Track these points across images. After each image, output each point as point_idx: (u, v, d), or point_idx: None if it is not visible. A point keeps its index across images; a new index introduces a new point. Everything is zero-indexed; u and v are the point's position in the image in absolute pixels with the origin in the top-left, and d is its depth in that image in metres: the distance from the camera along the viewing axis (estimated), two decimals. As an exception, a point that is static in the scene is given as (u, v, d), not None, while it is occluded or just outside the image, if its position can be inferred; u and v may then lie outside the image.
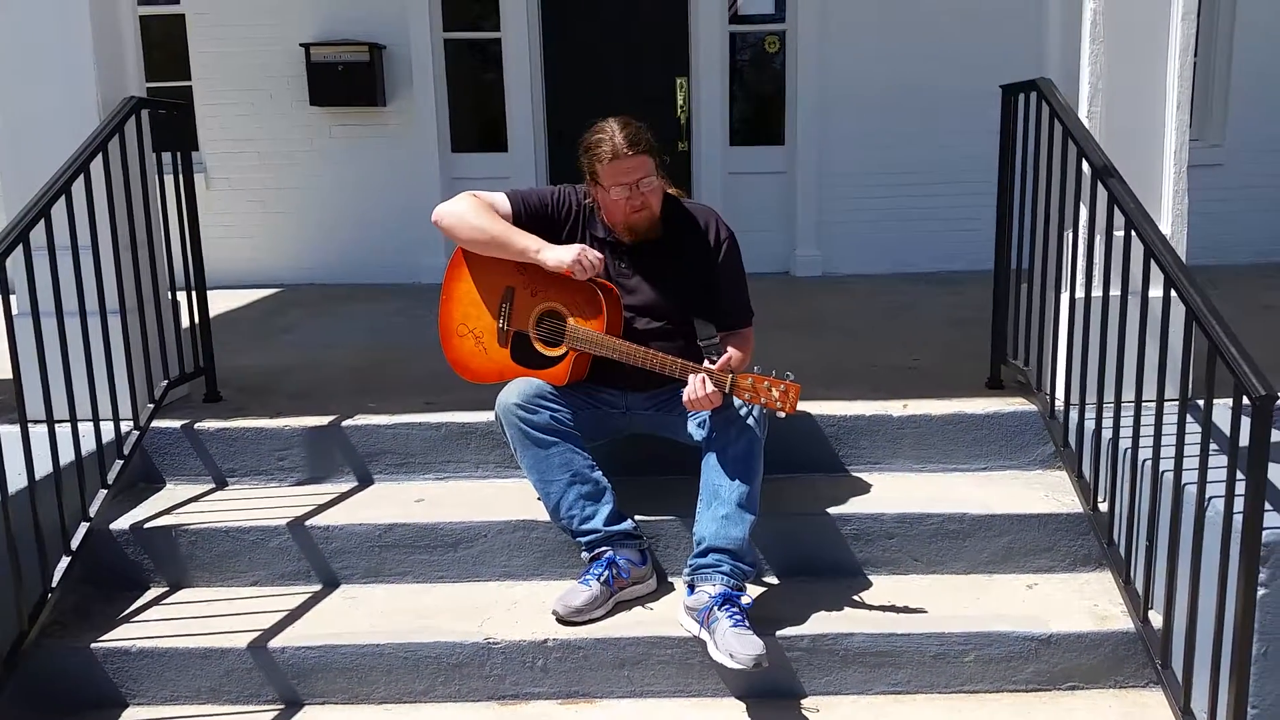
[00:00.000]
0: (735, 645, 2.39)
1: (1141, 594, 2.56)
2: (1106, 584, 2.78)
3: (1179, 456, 2.33)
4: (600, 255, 2.73)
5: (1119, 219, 2.65)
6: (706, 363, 2.63)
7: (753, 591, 2.69)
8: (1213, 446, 2.24)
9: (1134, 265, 2.60)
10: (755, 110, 6.85)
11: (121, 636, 2.66)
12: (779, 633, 2.59)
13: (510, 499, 3.03)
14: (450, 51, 6.67)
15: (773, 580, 2.88)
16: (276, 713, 2.61)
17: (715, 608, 2.49)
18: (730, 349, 2.68)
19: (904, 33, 6.37)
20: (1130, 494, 2.62)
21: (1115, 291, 2.68)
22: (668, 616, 2.67)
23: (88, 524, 2.84)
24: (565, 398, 2.75)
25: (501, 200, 2.83)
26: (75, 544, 2.78)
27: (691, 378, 2.57)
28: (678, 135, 6.68)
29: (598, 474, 2.74)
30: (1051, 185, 3.10)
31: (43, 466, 2.65)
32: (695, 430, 2.74)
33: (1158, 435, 2.45)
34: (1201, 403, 2.23)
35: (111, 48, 3.27)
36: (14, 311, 2.66)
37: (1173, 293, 2.36)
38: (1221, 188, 6.24)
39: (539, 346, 2.83)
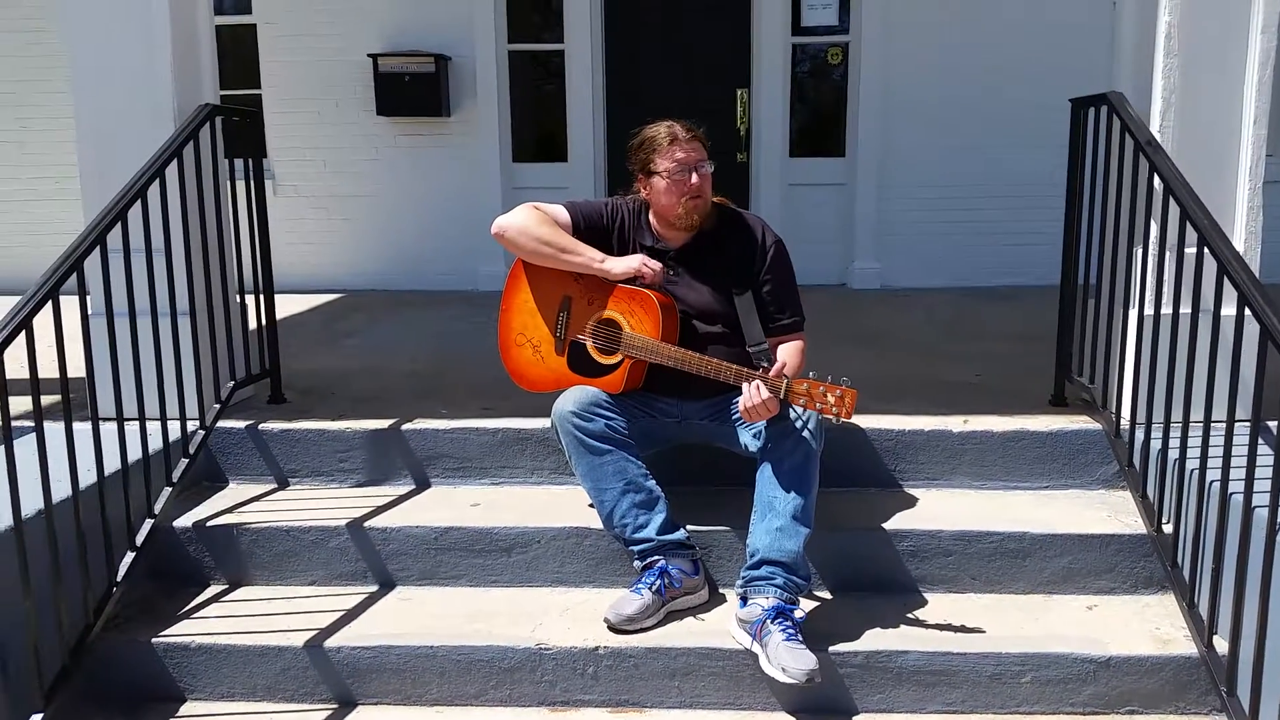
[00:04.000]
0: (788, 659, 2.37)
1: (1206, 619, 2.49)
2: (1169, 607, 2.71)
3: (1250, 479, 2.26)
4: (659, 263, 2.75)
5: (1190, 235, 2.59)
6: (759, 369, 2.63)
7: (806, 605, 2.66)
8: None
9: (1205, 282, 2.54)
10: (815, 122, 6.83)
11: (182, 632, 2.72)
12: (832, 648, 2.56)
13: (564, 506, 3.04)
14: (514, 63, 6.75)
15: (826, 595, 2.85)
16: (331, 712, 2.64)
17: (768, 620, 2.47)
18: (781, 355, 2.68)
19: (969, 44, 6.31)
20: (1196, 516, 2.55)
21: (1185, 309, 2.62)
22: (719, 628, 2.66)
23: (152, 521, 2.91)
24: (620, 406, 2.76)
25: (560, 211, 2.86)
26: (140, 540, 2.84)
27: (746, 385, 2.55)
28: (738, 146, 6.68)
29: (651, 483, 2.74)
30: (1121, 200, 3.04)
31: (111, 463, 2.72)
32: (750, 441, 2.73)
33: (1227, 457, 2.39)
34: (1274, 424, 2.17)
35: (189, 57, 3.36)
36: (89, 311, 2.74)
37: (1246, 311, 2.30)
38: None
39: (595, 354, 2.84)
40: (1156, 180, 2.81)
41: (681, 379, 2.74)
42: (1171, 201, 2.70)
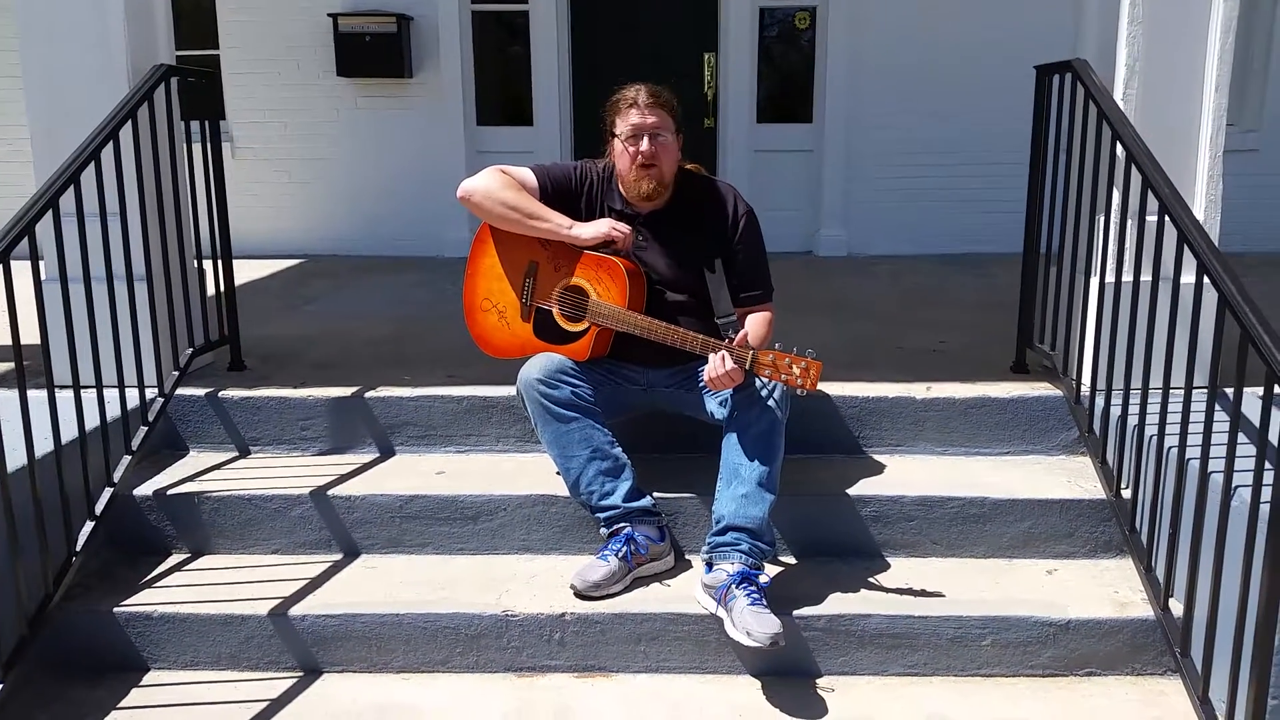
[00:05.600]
0: (752, 623, 2.39)
1: (1163, 582, 2.54)
2: (1127, 571, 2.76)
3: (1206, 445, 2.30)
4: (629, 226, 2.73)
5: (1152, 203, 2.61)
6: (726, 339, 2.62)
7: (771, 571, 2.68)
8: (1241, 436, 2.21)
9: (1166, 250, 2.56)
10: (783, 87, 6.79)
11: (143, 601, 2.69)
12: (796, 612, 2.59)
13: (530, 473, 3.03)
14: (477, 24, 6.65)
15: (791, 560, 2.88)
16: (296, 680, 2.63)
17: (733, 586, 2.49)
18: (748, 326, 2.68)
19: (936, 11, 6.29)
20: (1154, 481, 2.59)
21: (1146, 277, 2.65)
22: (685, 593, 2.68)
23: (111, 489, 2.87)
24: (587, 374, 2.75)
25: (528, 175, 2.82)
26: (99, 509, 2.80)
27: (712, 355, 2.55)
28: (705, 112, 6.64)
29: (617, 450, 2.74)
30: (1084, 168, 3.05)
31: (68, 431, 2.67)
32: (716, 409, 2.73)
33: (1185, 423, 2.43)
34: (1231, 391, 2.20)
35: (142, 15, 3.28)
36: (42, 277, 2.67)
37: (1205, 279, 2.33)
38: (1257, 174, 6.15)
39: (561, 321, 2.83)
40: (1119, 148, 2.82)
41: (648, 347, 2.73)
42: (1133, 169, 2.72)
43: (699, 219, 2.83)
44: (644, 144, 2.70)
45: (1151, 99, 3.00)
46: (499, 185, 2.78)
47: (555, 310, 2.84)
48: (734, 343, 2.54)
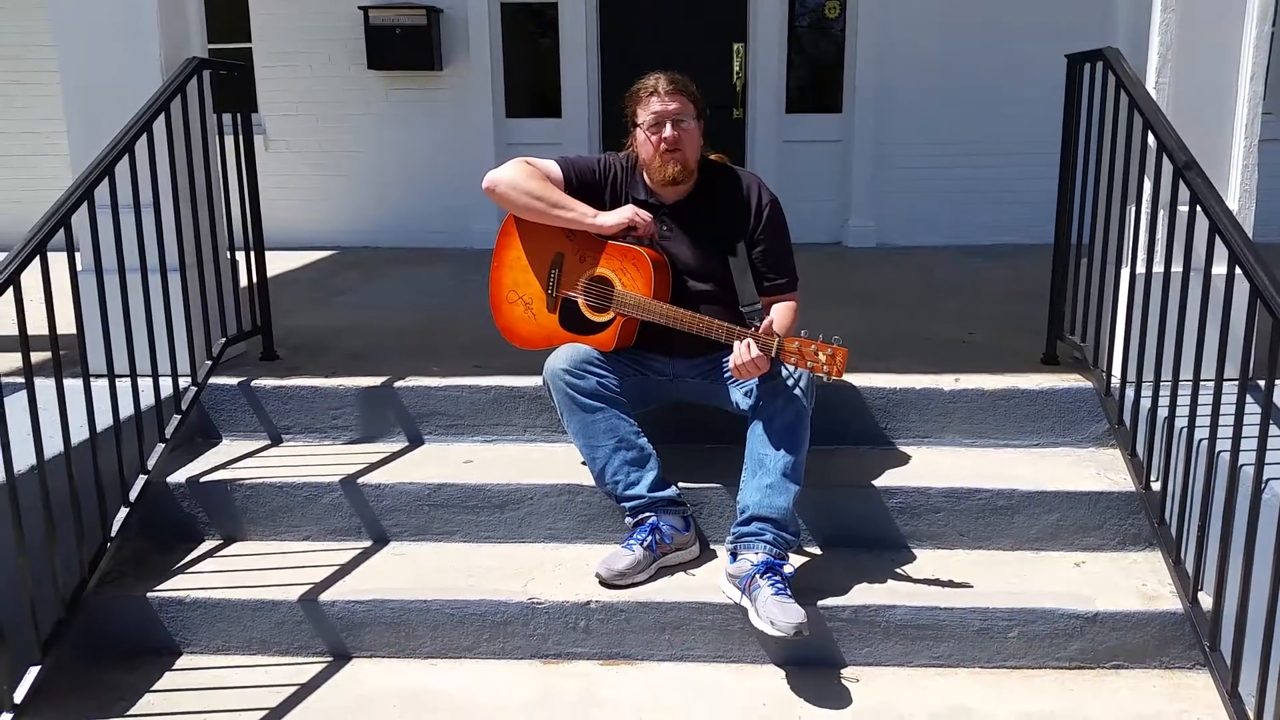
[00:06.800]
0: (776, 613, 2.40)
1: (1192, 575, 2.52)
2: (1155, 564, 2.74)
3: (1236, 437, 2.27)
4: (650, 214, 2.74)
5: (1184, 194, 2.58)
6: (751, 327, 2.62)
7: (795, 561, 2.69)
8: (1272, 429, 2.19)
9: (1198, 241, 2.53)
10: (812, 77, 6.76)
11: (176, 587, 2.74)
12: (821, 602, 2.59)
13: (556, 463, 3.05)
14: (507, 16, 6.67)
15: (816, 550, 2.88)
16: (325, 664, 2.67)
17: (757, 575, 2.49)
18: (774, 314, 2.67)
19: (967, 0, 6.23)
20: (1184, 474, 2.57)
21: (1177, 268, 2.62)
22: (709, 583, 2.68)
23: (145, 476, 2.91)
24: (612, 364, 2.76)
25: (552, 166, 2.84)
26: (133, 496, 2.85)
27: (737, 343, 2.55)
28: (733, 102, 6.62)
29: (643, 440, 2.75)
30: (1116, 158, 3.02)
31: (103, 420, 2.72)
32: (741, 399, 2.73)
33: (1215, 415, 2.40)
34: (1262, 383, 2.17)
35: (175, 9, 3.32)
36: (78, 268, 2.72)
37: (1237, 270, 2.30)
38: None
39: (587, 312, 2.84)
40: (1150, 138, 2.79)
41: (673, 337, 2.73)
42: (1165, 159, 2.69)
43: (723, 208, 2.83)
44: (666, 130, 2.71)
45: (1185, 87, 2.96)
46: (524, 176, 2.79)
47: (581, 300, 2.85)
48: (759, 330, 2.54)
